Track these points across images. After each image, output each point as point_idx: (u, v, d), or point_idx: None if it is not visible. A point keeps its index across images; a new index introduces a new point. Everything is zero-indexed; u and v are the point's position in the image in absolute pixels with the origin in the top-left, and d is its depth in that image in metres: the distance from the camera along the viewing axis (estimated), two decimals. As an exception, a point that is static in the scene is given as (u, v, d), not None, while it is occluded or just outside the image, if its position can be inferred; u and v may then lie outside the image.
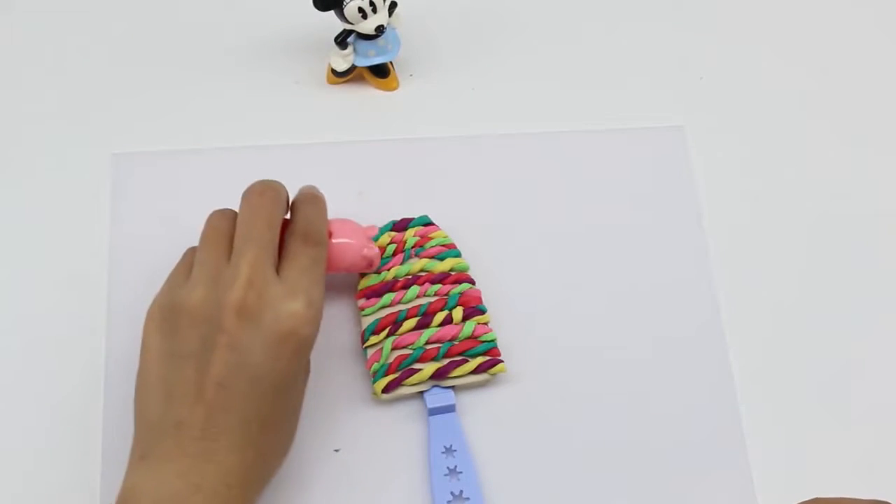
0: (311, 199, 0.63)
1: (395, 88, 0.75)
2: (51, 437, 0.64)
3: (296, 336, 0.57)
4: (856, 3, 0.80)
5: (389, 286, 0.66)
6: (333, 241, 0.64)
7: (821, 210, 0.72)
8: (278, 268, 0.59)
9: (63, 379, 0.65)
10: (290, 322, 0.57)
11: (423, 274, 0.67)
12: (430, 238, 0.68)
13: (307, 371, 0.61)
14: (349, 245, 0.64)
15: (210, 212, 0.62)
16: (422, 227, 0.68)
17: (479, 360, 0.65)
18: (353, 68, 0.74)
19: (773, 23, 0.79)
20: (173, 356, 0.58)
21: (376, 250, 0.66)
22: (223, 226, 0.61)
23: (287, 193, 0.62)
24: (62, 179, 0.71)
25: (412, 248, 0.68)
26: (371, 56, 0.73)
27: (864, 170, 0.74)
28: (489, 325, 0.66)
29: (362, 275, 0.67)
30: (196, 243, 0.61)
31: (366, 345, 0.65)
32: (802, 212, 0.72)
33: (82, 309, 0.67)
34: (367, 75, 0.75)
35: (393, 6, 0.72)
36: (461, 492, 0.62)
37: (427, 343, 0.65)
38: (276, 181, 0.62)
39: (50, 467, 0.63)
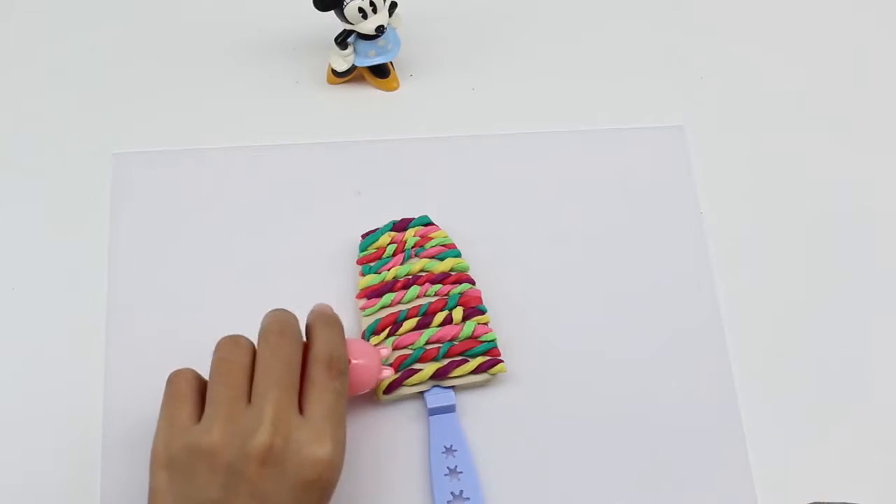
0: (329, 320, 0.60)
1: (395, 88, 0.75)
2: (51, 440, 0.64)
3: (321, 482, 0.54)
4: (856, 4, 0.80)
5: (389, 286, 0.66)
6: (352, 362, 0.61)
7: (820, 210, 0.72)
8: (301, 399, 0.56)
9: (63, 378, 0.65)
10: (317, 469, 0.54)
11: (423, 274, 0.67)
12: (430, 238, 0.68)
13: None
14: (366, 367, 0.62)
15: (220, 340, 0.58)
16: (422, 227, 0.68)
17: (479, 360, 0.65)
18: (353, 68, 0.74)
19: (773, 23, 0.79)
20: (189, 503, 0.54)
21: (390, 371, 0.64)
22: (235, 358, 0.57)
23: (299, 325, 0.59)
24: (62, 179, 0.71)
25: (412, 248, 0.68)
26: (371, 56, 0.73)
27: (863, 170, 0.74)
28: (489, 325, 0.66)
29: (362, 274, 0.67)
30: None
31: (366, 345, 0.65)
32: (802, 212, 0.72)
33: (82, 309, 0.67)
34: (367, 75, 0.75)
35: (393, 6, 0.72)
36: (461, 492, 0.62)
37: (427, 343, 0.65)
38: (289, 314, 0.59)
39: (49, 465, 0.63)
